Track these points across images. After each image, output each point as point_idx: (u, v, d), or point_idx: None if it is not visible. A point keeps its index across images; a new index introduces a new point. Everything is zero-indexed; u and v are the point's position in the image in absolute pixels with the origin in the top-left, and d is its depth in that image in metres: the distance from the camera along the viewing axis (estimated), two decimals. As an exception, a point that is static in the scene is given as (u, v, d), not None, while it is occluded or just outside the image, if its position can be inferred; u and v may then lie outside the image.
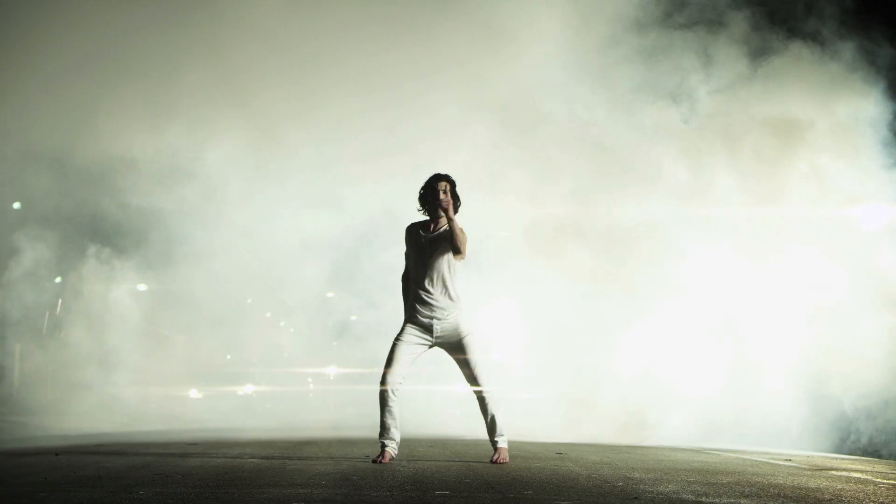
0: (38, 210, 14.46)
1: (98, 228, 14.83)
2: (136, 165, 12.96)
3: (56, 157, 13.10)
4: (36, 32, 11.99)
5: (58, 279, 15.92)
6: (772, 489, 5.27)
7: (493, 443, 6.61)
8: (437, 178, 6.64)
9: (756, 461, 7.47)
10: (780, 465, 7.06)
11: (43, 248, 14.86)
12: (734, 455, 8.22)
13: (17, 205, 16.19)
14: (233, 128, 12.49)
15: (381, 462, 6.37)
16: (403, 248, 6.80)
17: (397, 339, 6.58)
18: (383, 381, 6.48)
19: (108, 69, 12.18)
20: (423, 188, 6.68)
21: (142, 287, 17.39)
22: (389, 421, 6.46)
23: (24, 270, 14.85)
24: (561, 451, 7.91)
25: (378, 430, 6.48)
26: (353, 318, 20.06)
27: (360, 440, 8.90)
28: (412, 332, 6.57)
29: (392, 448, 6.47)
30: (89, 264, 15.12)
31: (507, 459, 6.55)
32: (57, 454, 7.19)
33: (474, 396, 6.61)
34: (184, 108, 12.42)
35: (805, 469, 6.79)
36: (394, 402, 6.46)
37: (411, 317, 6.59)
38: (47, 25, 11.97)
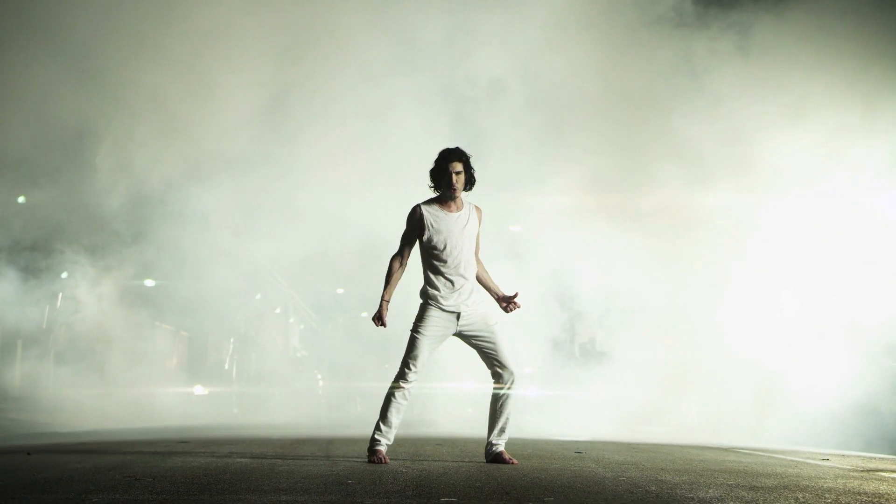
0: (42, 203, 14.12)
1: (103, 223, 14.46)
2: (148, 159, 12.59)
3: (58, 149, 12.75)
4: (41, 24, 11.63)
5: (64, 275, 15.60)
6: (827, 494, 4.60)
7: (496, 445, 5.95)
8: (448, 158, 5.87)
9: (793, 461, 6.85)
10: (821, 466, 6.40)
11: (46, 242, 14.53)
12: (765, 454, 7.62)
13: (21, 199, 15.78)
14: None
15: (384, 462, 5.71)
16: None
17: (417, 331, 5.87)
18: (403, 378, 5.79)
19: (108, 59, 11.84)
20: (435, 167, 5.92)
21: (149, 283, 17.05)
22: (395, 419, 5.83)
23: (27, 266, 14.53)
24: (580, 450, 7.30)
25: (373, 427, 5.85)
26: (364, 314, 19.58)
27: (363, 439, 8.24)
28: (435, 324, 5.85)
29: (385, 446, 5.84)
30: (94, 260, 14.80)
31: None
32: (29, 453, 6.56)
33: (490, 395, 5.97)
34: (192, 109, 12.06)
35: (850, 471, 6.14)
36: (405, 402, 5.84)
37: (434, 304, 5.88)
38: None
